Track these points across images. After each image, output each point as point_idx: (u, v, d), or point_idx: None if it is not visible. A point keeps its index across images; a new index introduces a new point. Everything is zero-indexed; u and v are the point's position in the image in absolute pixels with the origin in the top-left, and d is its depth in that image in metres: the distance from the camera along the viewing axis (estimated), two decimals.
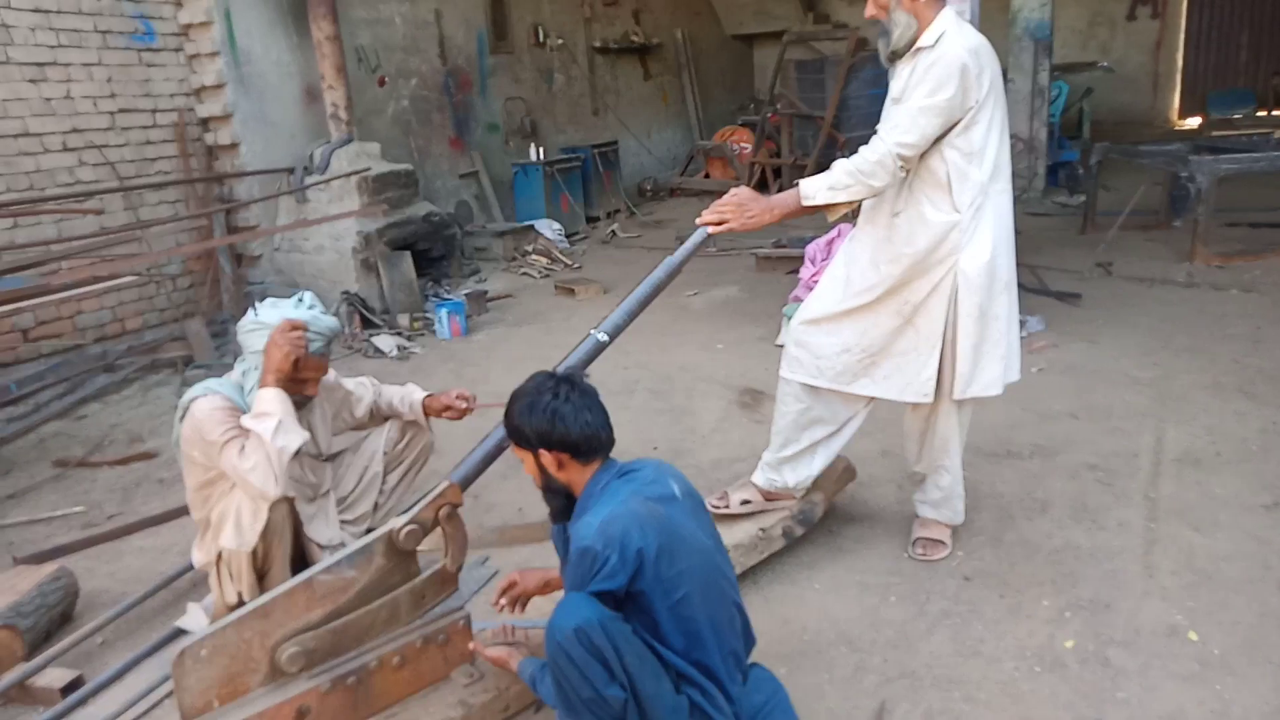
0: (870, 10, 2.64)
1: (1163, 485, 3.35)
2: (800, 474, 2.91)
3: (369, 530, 2.82)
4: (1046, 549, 2.98)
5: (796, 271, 5.67)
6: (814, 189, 2.56)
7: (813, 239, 5.50)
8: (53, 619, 2.80)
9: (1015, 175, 3.04)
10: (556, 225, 8.54)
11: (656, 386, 4.73)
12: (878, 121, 2.70)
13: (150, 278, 5.90)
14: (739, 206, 2.56)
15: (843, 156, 2.63)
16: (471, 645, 2.23)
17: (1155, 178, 7.41)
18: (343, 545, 2.71)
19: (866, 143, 2.58)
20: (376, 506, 2.97)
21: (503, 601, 2.29)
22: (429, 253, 7.00)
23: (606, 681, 1.79)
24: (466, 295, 6.45)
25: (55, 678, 2.53)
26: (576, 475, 2.02)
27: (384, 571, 2.15)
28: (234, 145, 6.42)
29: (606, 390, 2.10)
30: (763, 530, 2.87)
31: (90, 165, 5.64)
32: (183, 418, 2.55)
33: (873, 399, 2.87)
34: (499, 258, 7.89)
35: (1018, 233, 2.85)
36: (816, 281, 3.28)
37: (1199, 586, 2.73)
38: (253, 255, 6.69)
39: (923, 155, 2.56)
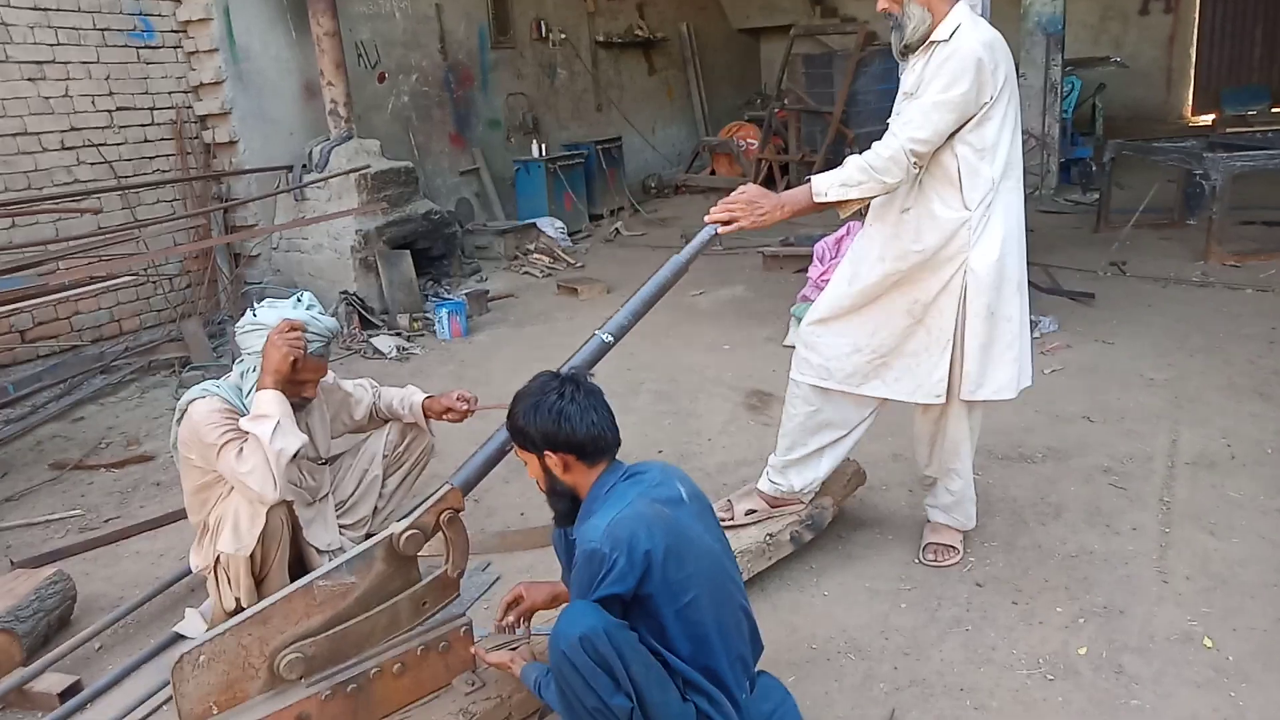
0: (883, 4, 2.59)
1: (1177, 489, 3.31)
2: (806, 477, 2.87)
3: (368, 535, 2.79)
4: (1060, 554, 2.94)
5: (805, 270, 5.62)
6: (826, 185, 2.51)
7: (821, 237, 5.45)
8: (50, 623, 2.79)
9: (1028, 172, 2.99)
10: (559, 223, 8.48)
11: (662, 388, 4.69)
12: (887, 116, 2.66)
13: (147, 278, 5.88)
14: (749, 204, 2.51)
15: (852, 152, 2.59)
16: (473, 649, 2.20)
17: (1169, 175, 7.37)
18: (342, 550, 2.68)
19: (876, 138, 2.54)
20: (376, 510, 2.94)
21: (509, 619, 2.24)
22: (429, 251, 6.96)
23: (612, 690, 1.76)
24: (467, 295, 6.42)
25: (53, 683, 2.52)
26: (582, 477, 1.99)
27: (384, 577, 2.12)
28: (232, 143, 6.40)
29: (610, 392, 2.06)
30: (770, 536, 2.83)
31: (88, 164, 5.62)
32: (180, 420, 2.53)
33: (883, 402, 2.82)
34: (500, 256, 7.86)
35: (1030, 231, 2.81)
36: (826, 280, 3.23)
37: (1214, 591, 2.70)
38: (251, 255, 6.66)
39: (935, 151, 2.51)
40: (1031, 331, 2.89)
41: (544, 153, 8.81)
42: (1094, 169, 8.66)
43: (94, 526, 3.55)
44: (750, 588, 2.63)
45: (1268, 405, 3.95)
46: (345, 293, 6.08)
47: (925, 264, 2.61)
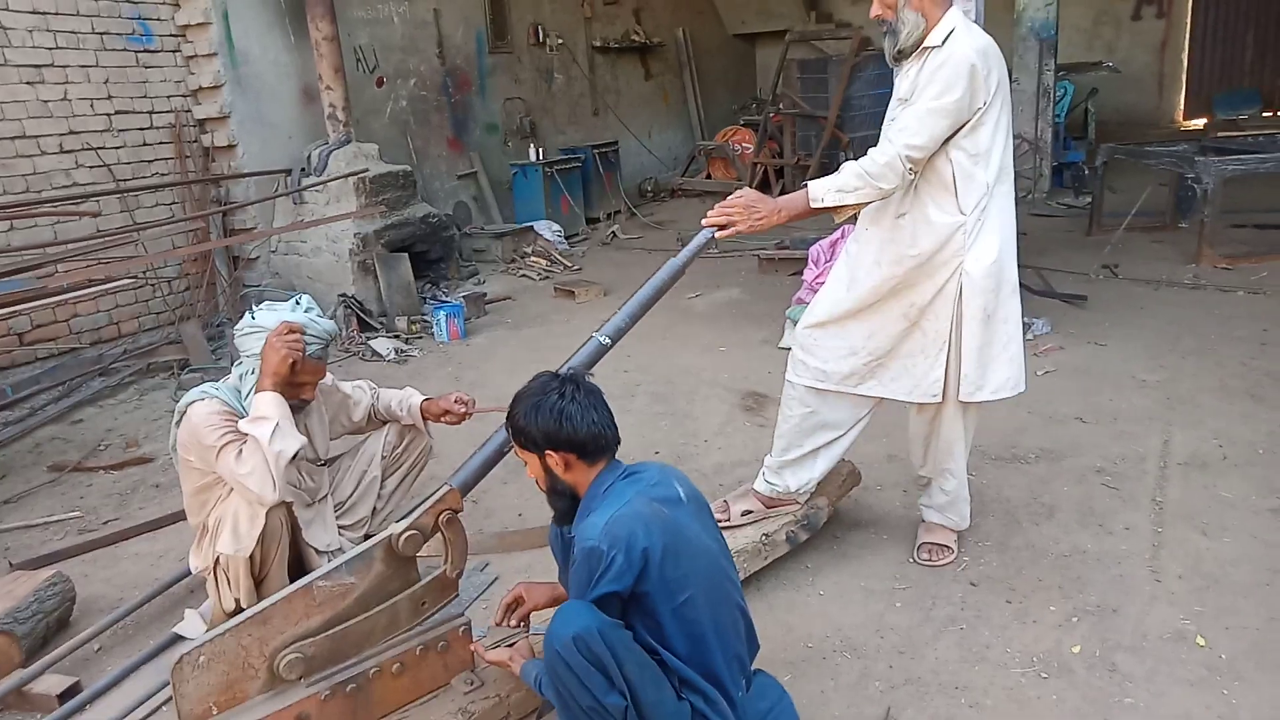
0: (876, 10, 2.61)
1: (1170, 489, 3.33)
2: (802, 478, 2.89)
3: (367, 536, 2.80)
4: (1053, 554, 2.96)
5: (800, 273, 5.64)
6: (822, 191, 2.53)
7: (816, 240, 5.47)
8: (49, 625, 2.79)
9: (1021, 176, 3.01)
10: (556, 227, 8.50)
11: (658, 390, 4.71)
12: (882, 121, 2.68)
13: (146, 280, 5.88)
14: (747, 208, 2.53)
15: (846, 156, 2.61)
16: (472, 646, 2.21)
17: (1161, 179, 7.40)
18: (341, 551, 2.69)
19: (870, 142, 2.56)
20: (375, 511, 2.95)
21: (512, 621, 2.25)
22: (427, 255, 6.97)
23: (606, 689, 1.78)
24: (465, 298, 6.42)
25: (52, 684, 2.52)
26: (582, 476, 2.01)
27: (383, 577, 2.13)
28: (231, 146, 6.40)
29: (607, 394, 2.08)
30: (766, 535, 2.84)
31: (87, 167, 5.62)
32: (179, 422, 2.53)
33: (879, 403, 2.85)
34: (498, 260, 7.87)
35: (1022, 234, 2.83)
36: (820, 283, 3.25)
37: (1206, 591, 2.71)
38: (249, 258, 6.66)
39: (930, 157, 2.53)
40: (1024, 334, 2.90)
41: (541, 157, 8.82)
42: (1086, 173, 8.69)
43: (93, 528, 3.55)
44: (746, 587, 2.64)
45: (1259, 406, 3.97)
46: (344, 295, 6.10)
47: (921, 268, 2.63)
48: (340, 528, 2.85)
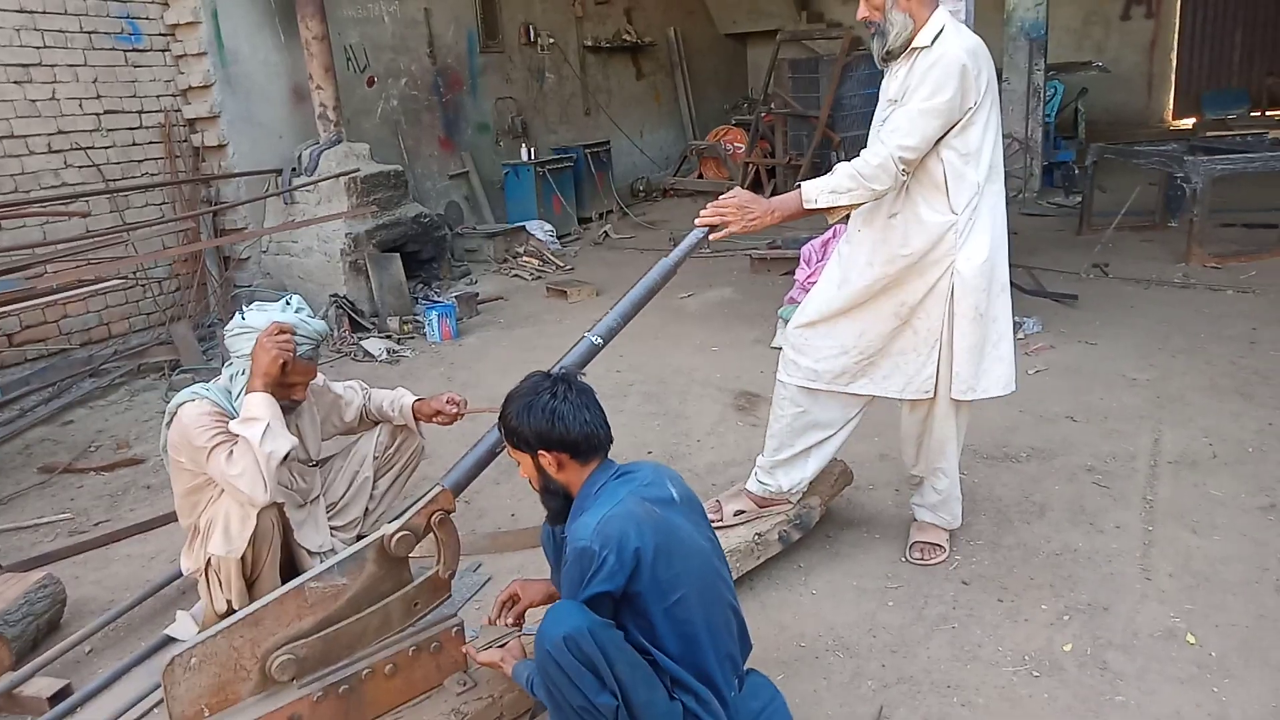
0: (863, 12, 2.62)
1: (1160, 487, 3.35)
2: (794, 477, 2.89)
3: (359, 536, 2.80)
4: (1044, 552, 2.97)
5: (792, 273, 5.65)
6: (816, 192, 2.53)
7: (808, 239, 5.48)
8: (40, 627, 2.78)
9: (1011, 176, 3.03)
10: (548, 226, 8.50)
11: (650, 390, 4.71)
12: (872, 121, 2.68)
13: (136, 281, 5.85)
14: (740, 208, 2.53)
15: (838, 156, 2.62)
16: (464, 649, 2.21)
17: (1151, 178, 7.42)
18: (333, 551, 2.69)
19: (862, 142, 2.56)
20: (367, 512, 2.95)
21: (509, 619, 2.25)
22: (419, 255, 6.95)
23: (597, 689, 1.78)
24: (457, 298, 6.42)
25: (43, 687, 2.51)
26: (575, 476, 2.01)
27: (376, 578, 2.13)
28: (221, 146, 6.38)
29: (599, 394, 2.08)
30: (758, 535, 2.85)
31: (76, 167, 5.59)
32: (170, 423, 2.53)
33: (870, 401, 2.85)
34: (490, 259, 7.85)
35: (1013, 233, 2.85)
36: (812, 282, 3.26)
37: (1196, 589, 2.73)
38: (240, 258, 6.64)
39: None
40: (1015, 333, 2.91)
41: (533, 156, 8.81)
42: (1076, 172, 8.72)
43: (84, 530, 3.54)
44: (739, 586, 2.64)
45: (1249, 404, 3.99)
46: (335, 296, 6.08)
47: (912, 267, 2.64)
48: (332, 529, 2.85)
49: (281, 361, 2.47)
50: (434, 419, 2.92)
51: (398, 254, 6.51)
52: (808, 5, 13.16)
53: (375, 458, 2.95)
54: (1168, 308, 5.46)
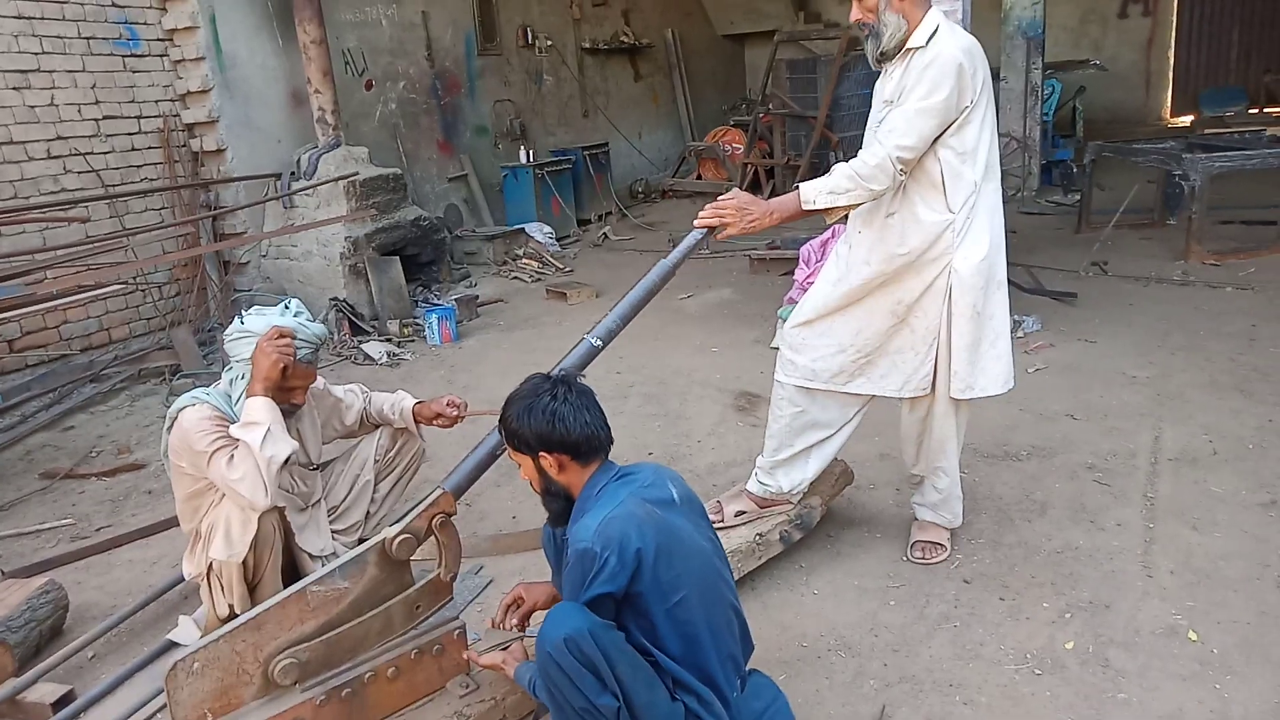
0: (856, 14, 2.63)
1: (1161, 485, 3.35)
2: (794, 478, 2.89)
3: (361, 540, 2.80)
4: (1046, 550, 2.97)
5: (791, 273, 5.65)
6: (814, 193, 2.53)
7: (807, 240, 5.48)
8: (42, 633, 2.78)
9: (1010, 174, 3.03)
10: (547, 228, 8.51)
11: (650, 391, 4.71)
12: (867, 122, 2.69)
13: (136, 286, 5.86)
14: (739, 210, 2.53)
15: (836, 156, 2.62)
16: (466, 654, 2.21)
17: (1149, 176, 7.43)
18: (334, 555, 2.69)
19: (859, 142, 2.56)
20: (368, 515, 2.95)
21: (513, 621, 2.25)
22: (418, 258, 6.96)
23: (598, 691, 1.78)
24: (456, 300, 6.42)
25: (46, 693, 2.51)
26: (576, 477, 2.01)
27: (377, 582, 2.13)
28: (220, 151, 6.38)
29: (600, 395, 2.08)
30: (760, 535, 2.85)
31: (75, 173, 5.60)
32: (170, 428, 2.53)
33: (869, 401, 2.85)
34: (489, 262, 7.86)
35: (1012, 232, 2.85)
36: (811, 283, 3.26)
37: (1198, 586, 2.73)
38: (240, 262, 6.64)
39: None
40: (1014, 331, 2.92)
41: (532, 159, 8.82)
42: (1075, 171, 8.73)
43: (85, 535, 3.54)
44: (740, 587, 2.64)
45: (1248, 401, 4.00)
46: (335, 299, 6.08)
47: (910, 266, 2.64)
48: (334, 532, 2.85)
49: (281, 365, 2.47)
50: (434, 422, 2.92)
51: (397, 257, 6.51)
52: (805, 6, 13.18)
53: (376, 461, 2.95)
54: (1167, 305, 5.46)
